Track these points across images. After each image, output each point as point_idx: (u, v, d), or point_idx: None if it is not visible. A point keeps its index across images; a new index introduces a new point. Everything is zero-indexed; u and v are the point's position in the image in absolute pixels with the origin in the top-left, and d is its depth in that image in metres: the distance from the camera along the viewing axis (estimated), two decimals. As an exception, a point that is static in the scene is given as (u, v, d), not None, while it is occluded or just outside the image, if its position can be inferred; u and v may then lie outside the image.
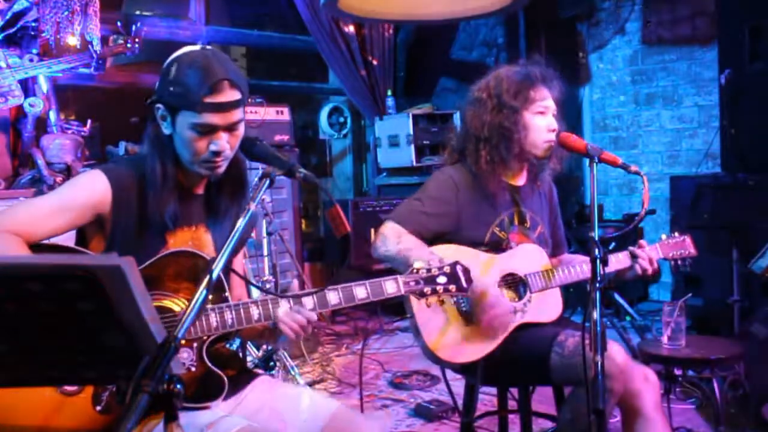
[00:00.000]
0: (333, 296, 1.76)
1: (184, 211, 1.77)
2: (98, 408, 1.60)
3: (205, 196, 1.84)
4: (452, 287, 1.85)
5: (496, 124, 2.29)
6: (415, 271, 1.85)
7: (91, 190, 1.68)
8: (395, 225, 2.24)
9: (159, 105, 1.70)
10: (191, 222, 1.79)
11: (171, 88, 1.66)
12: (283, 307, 1.71)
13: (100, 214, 1.69)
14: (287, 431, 1.71)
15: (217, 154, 1.69)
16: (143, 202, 1.72)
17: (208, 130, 1.67)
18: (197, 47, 1.73)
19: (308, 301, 1.74)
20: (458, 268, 1.86)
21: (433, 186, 2.33)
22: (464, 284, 1.85)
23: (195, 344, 1.70)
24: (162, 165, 1.71)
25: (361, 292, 1.79)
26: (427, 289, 1.84)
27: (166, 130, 1.71)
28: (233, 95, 1.67)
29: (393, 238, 2.20)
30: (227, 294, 1.75)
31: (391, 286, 1.82)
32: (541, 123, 2.28)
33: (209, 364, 1.70)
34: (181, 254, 1.71)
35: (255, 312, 1.70)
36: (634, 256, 2.34)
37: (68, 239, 1.74)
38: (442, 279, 1.85)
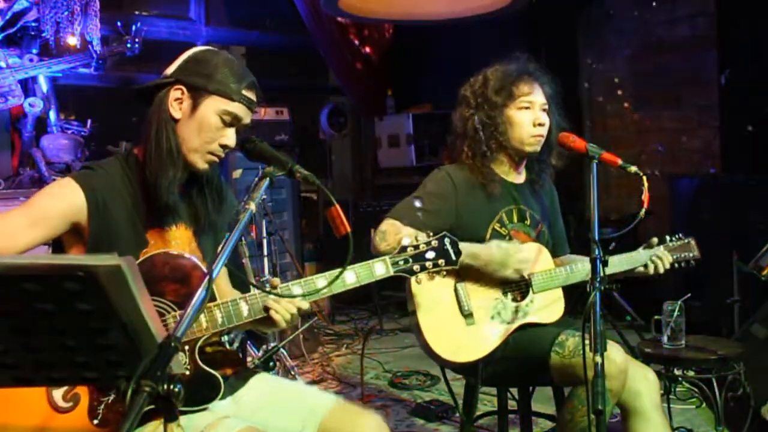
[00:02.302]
0: (322, 283, 1.72)
1: (170, 207, 1.75)
2: (95, 422, 1.59)
3: (186, 195, 1.82)
4: (441, 261, 1.82)
5: (478, 121, 2.33)
6: (402, 249, 1.82)
7: (64, 200, 1.65)
8: (394, 221, 2.24)
9: (180, 86, 1.71)
10: (174, 220, 1.78)
11: (208, 72, 1.69)
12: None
13: (77, 222, 1.66)
14: (287, 427, 1.71)
15: (224, 148, 1.73)
16: (123, 203, 1.70)
17: (230, 121, 1.72)
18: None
19: (297, 292, 1.72)
20: (446, 240, 1.83)
21: (431, 183, 2.34)
22: (453, 257, 1.83)
23: (187, 347, 1.68)
24: (175, 144, 1.70)
25: (350, 276, 1.77)
26: (416, 267, 1.81)
27: (176, 114, 1.71)
28: (255, 98, 1.76)
29: (392, 233, 2.20)
30: (216, 293, 1.73)
31: (379, 268, 1.79)
32: (524, 118, 2.29)
33: (203, 366, 1.69)
34: (165, 255, 1.69)
35: (245, 308, 1.68)
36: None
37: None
38: (430, 254, 1.82)
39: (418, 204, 2.29)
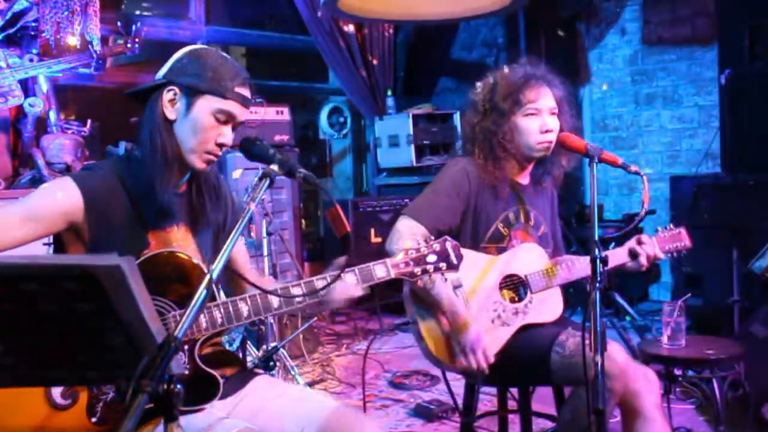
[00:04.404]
0: (322, 284, 1.71)
1: (170, 208, 1.76)
2: (93, 420, 1.59)
3: (187, 195, 1.82)
4: (442, 265, 1.82)
5: (485, 127, 2.32)
6: (404, 252, 1.82)
7: (60, 198, 1.65)
8: (411, 221, 2.24)
9: (172, 87, 1.71)
10: (174, 221, 1.78)
11: (199, 71, 1.69)
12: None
13: (73, 222, 1.66)
14: (286, 431, 1.70)
15: (221, 146, 1.72)
16: (122, 204, 1.70)
17: (225, 119, 1.71)
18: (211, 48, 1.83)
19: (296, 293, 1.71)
20: (448, 244, 1.83)
21: (448, 176, 2.34)
22: (455, 261, 1.83)
23: (186, 346, 1.68)
24: (170, 146, 1.71)
25: (350, 278, 1.76)
26: (417, 270, 1.81)
27: (171, 115, 1.71)
28: (249, 95, 1.76)
29: (406, 236, 2.18)
30: (216, 293, 1.74)
31: (380, 270, 1.78)
32: (532, 125, 2.28)
33: (202, 366, 1.69)
34: (166, 255, 1.69)
35: (244, 309, 1.67)
36: (634, 254, 2.34)
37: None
38: (431, 258, 1.82)
39: (435, 200, 2.29)
